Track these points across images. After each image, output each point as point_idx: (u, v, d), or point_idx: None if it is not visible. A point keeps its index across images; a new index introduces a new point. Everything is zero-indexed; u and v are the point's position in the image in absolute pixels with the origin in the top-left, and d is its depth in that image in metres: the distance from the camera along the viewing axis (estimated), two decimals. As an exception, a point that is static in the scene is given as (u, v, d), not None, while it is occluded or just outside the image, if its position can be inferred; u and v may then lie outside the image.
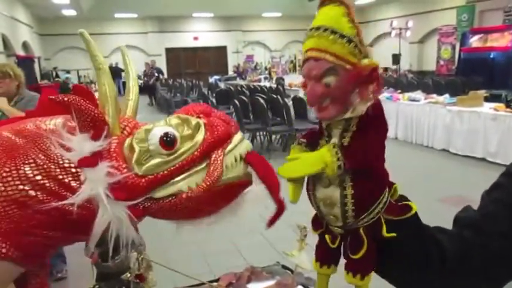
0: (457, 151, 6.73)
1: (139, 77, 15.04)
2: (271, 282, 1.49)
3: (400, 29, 15.21)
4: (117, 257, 0.62)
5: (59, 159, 0.61)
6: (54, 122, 0.64)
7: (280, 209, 0.71)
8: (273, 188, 0.68)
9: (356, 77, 0.64)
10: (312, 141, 0.76)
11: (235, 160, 0.67)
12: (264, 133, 7.79)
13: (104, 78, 0.65)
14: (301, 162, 0.68)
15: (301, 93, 7.72)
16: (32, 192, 0.60)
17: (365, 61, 0.65)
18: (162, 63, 21.27)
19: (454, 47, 14.17)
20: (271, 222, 0.71)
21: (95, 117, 0.61)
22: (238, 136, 0.70)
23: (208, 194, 0.65)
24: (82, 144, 0.60)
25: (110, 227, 0.59)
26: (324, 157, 0.66)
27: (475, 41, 12.25)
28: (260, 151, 7.39)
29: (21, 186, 0.59)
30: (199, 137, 0.65)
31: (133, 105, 0.75)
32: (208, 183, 0.64)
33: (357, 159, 0.67)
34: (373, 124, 0.69)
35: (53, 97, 0.61)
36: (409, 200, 0.75)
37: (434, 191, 4.97)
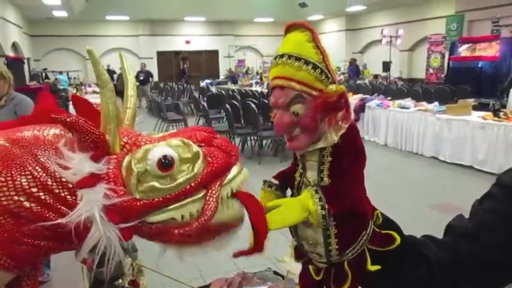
0: (445, 159, 6.80)
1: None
2: (263, 288, 1.49)
3: (391, 36, 15.36)
4: (111, 262, 0.62)
5: (56, 173, 0.61)
6: (53, 133, 0.64)
7: (257, 250, 0.68)
8: (259, 235, 0.67)
9: (323, 104, 0.62)
10: (286, 180, 0.74)
11: (231, 193, 0.67)
12: (255, 138, 7.79)
13: (108, 97, 0.64)
14: (284, 211, 0.65)
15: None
16: (27, 204, 0.59)
17: (331, 87, 0.63)
18: (153, 67, 21.21)
19: (443, 56, 14.34)
20: (240, 254, 0.69)
21: (96, 139, 0.62)
22: (236, 167, 0.69)
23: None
24: (81, 165, 0.60)
25: (98, 243, 0.60)
26: (308, 206, 0.63)
27: (463, 50, 12.42)
28: (251, 156, 7.40)
29: (16, 197, 0.59)
30: (198, 168, 0.65)
31: (132, 112, 0.75)
32: (201, 222, 0.64)
33: (340, 204, 0.64)
34: (350, 152, 0.67)
35: (56, 116, 0.61)
36: (393, 226, 0.74)
37: (423, 198, 5.01)
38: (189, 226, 0.64)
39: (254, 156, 7.45)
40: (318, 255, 0.70)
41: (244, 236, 0.71)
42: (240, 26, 22.71)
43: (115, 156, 0.64)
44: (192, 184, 0.64)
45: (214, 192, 0.65)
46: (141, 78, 15.35)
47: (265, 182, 0.75)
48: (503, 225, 0.69)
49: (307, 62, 0.63)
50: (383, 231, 0.71)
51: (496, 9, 12.01)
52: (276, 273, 1.64)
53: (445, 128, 6.86)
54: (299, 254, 0.76)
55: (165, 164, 0.63)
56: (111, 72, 18.28)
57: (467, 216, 0.77)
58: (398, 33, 15.44)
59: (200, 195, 0.65)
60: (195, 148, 0.66)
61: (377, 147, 8.11)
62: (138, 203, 0.62)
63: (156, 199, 0.63)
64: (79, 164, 0.60)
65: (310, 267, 0.74)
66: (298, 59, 0.63)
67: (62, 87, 13.83)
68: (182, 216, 0.64)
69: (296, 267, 1.20)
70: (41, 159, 0.61)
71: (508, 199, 0.70)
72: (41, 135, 0.64)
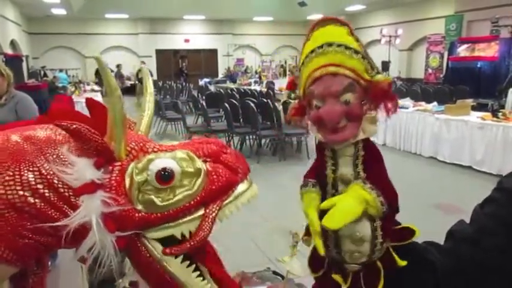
0: (444, 159, 6.80)
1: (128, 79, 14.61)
2: (262, 288, 1.49)
3: (390, 36, 15.36)
4: (111, 262, 0.63)
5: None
6: (65, 134, 0.64)
7: None
8: None
9: (379, 93, 0.61)
10: (318, 177, 0.70)
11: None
12: (254, 137, 7.79)
13: (115, 104, 0.64)
14: (341, 208, 0.62)
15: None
16: (31, 199, 0.60)
17: (379, 77, 0.62)
18: (152, 65, 21.18)
19: (442, 56, 14.35)
20: None
21: (99, 146, 0.62)
22: (245, 184, 0.68)
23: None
24: (84, 171, 0.61)
25: (94, 246, 0.61)
26: (364, 196, 0.62)
27: (462, 50, 12.42)
28: (250, 155, 7.39)
29: (21, 192, 0.60)
30: (199, 186, 0.64)
31: (148, 120, 0.75)
32: (192, 243, 0.64)
33: (388, 195, 0.64)
34: (374, 146, 0.67)
35: (59, 123, 0.62)
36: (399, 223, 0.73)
37: (422, 198, 5.01)
38: (181, 245, 0.64)
39: (253, 156, 7.45)
40: (359, 254, 0.67)
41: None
42: (239, 24, 22.69)
43: (119, 163, 0.64)
44: (192, 202, 0.64)
45: (211, 212, 0.65)
46: (140, 76, 15.25)
47: (306, 183, 0.70)
48: (504, 229, 0.68)
49: (356, 52, 0.63)
50: (397, 227, 0.71)
51: (495, 10, 12.02)
52: (275, 273, 1.64)
53: (444, 128, 6.86)
54: (317, 265, 0.73)
55: (164, 176, 0.62)
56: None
57: (467, 219, 0.77)
58: (398, 33, 15.44)
59: (200, 214, 0.65)
60: (199, 164, 0.66)
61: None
62: (137, 214, 0.62)
63: (155, 214, 0.63)
64: (81, 170, 0.61)
65: (336, 276, 0.70)
66: (347, 47, 0.63)
67: (61, 84, 13.79)
68: (182, 234, 0.64)
69: (296, 268, 1.20)
70: (50, 158, 0.62)
71: (509, 204, 0.70)
72: (52, 134, 0.64)
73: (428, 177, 6.16)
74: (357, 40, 0.64)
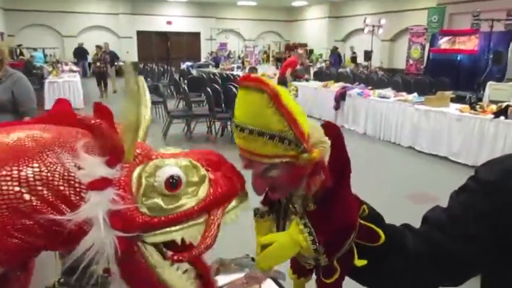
0: (422, 149, 6.93)
1: (94, 62, 13.76)
2: (240, 275, 1.49)
3: (373, 26, 15.40)
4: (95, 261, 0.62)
5: (65, 171, 0.60)
6: (71, 134, 0.64)
7: None
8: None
9: (299, 176, 0.63)
10: (273, 203, 0.74)
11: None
12: (235, 123, 7.75)
13: (134, 107, 0.64)
14: (277, 249, 0.67)
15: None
16: (27, 196, 0.58)
17: (304, 157, 0.60)
18: (133, 46, 20.77)
19: (423, 47, 14.50)
20: None
21: (114, 144, 0.62)
22: (237, 199, 0.71)
23: None
24: (95, 168, 0.60)
25: (91, 246, 0.60)
26: (299, 241, 0.65)
27: (443, 43, 12.59)
28: (230, 141, 7.37)
29: (17, 188, 0.58)
30: (202, 193, 0.66)
31: (145, 128, 0.76)
32: (200, 249, 0.66)
33: (328, 231, 0.66)
34: (335, 171, 0.66)
35: (81, 117, 0.63)
36: (378, 220, 0.74)
37: (399, 187, 5.10)
38: (188, 252, 0.66)
39: (233, 142, 7.42)
40: (308, 264, 0.73)
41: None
42: (222, 8, 22.40)
43: (127, 165, 0.64)
44: (196, 207, 0.66)
45: (216, 218, 0.67)
46: (108, 59, 13.91)
47: (256, 213, 0.74)
48: (474, 219, 0.70)
49: (271, 137, 0.58)
50: (368, 224, 0.72)
51: (476, 3, 12.18)
52: (254, 260, 1.63)
53: (423, 119, 6.97)
54: None
55: (173, 184, 0.64)
56: (83, 51, 17.80)
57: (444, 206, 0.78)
58: (381, 23, 15.49)
59: (202, 220, 0.67)
60: (203, 172, 0.68)
61: (356, 135, 8.20)
62: (141, 216, 0.63)
63: (158, 218, 0.64)
64: (93, 166, 0.60)
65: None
66: (260, 133, 0.58)
67: (38, 64, 13.42)
68: (182, 239, 0.65)
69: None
70: (53, 155, 0.61)
71: (481, 194, 0.71)
72: (59, 134, 0.64)
73: (406, 167, 6.26)
74: (278, 113, 0.57)
